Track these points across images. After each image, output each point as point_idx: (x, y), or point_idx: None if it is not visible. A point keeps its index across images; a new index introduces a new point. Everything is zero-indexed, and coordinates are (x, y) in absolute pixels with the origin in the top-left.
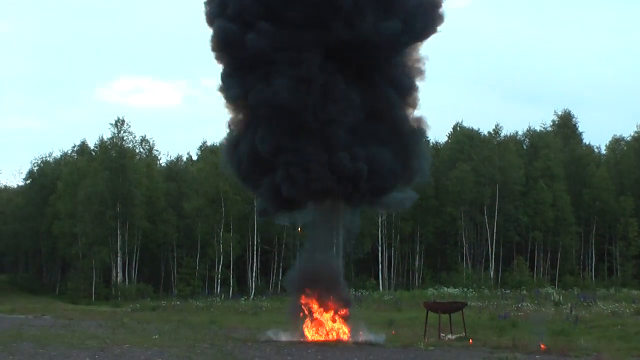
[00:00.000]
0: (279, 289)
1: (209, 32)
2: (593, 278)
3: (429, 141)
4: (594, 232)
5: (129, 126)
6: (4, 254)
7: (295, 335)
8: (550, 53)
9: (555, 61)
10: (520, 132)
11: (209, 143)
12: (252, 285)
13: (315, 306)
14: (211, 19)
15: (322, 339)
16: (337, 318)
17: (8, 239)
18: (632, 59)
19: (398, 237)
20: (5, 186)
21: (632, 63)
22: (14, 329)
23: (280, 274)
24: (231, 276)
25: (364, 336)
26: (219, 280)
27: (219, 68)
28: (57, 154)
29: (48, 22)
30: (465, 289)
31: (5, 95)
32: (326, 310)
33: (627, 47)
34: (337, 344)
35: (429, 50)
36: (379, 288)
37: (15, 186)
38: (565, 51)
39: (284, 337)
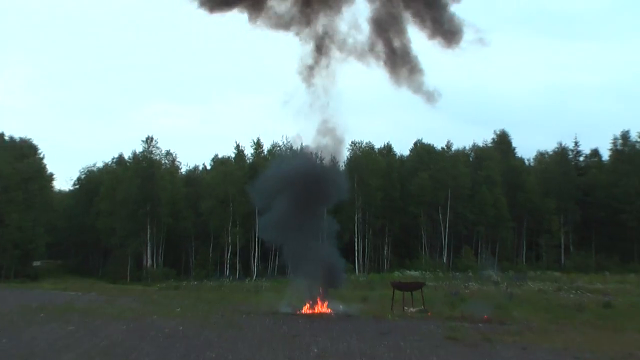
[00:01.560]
0: (276, 272)
1: (221, 65)
2: (524, 263)
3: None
4: (525, 226)
5: (157, 142)
6: (58, 244)
7: (292, 309)
8: (489, 85)
9: (494, 91)
10: (467, 147)
11: (220, 156)
12: (255, 269)
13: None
14: None
15: (311, 311)
16: (324, 297)
17: (61, 232)
18: (554, 90)
19: (370, 230)
20: (59, 190)
21: (554, 93)
22: (67, 303)
23: (277, 260)
24: (237, 262)
25: (342, 309)
26: (228, 265)
27: (227, 95)
28: (99, 164)
29: (91, 59)
30: (424, 272)
31: (59, 118)
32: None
33: (552, 81)
34: (322, 316)
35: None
36: (355, 271)
37: (67, 190)
38: (502, 83)
39: (282, 310)
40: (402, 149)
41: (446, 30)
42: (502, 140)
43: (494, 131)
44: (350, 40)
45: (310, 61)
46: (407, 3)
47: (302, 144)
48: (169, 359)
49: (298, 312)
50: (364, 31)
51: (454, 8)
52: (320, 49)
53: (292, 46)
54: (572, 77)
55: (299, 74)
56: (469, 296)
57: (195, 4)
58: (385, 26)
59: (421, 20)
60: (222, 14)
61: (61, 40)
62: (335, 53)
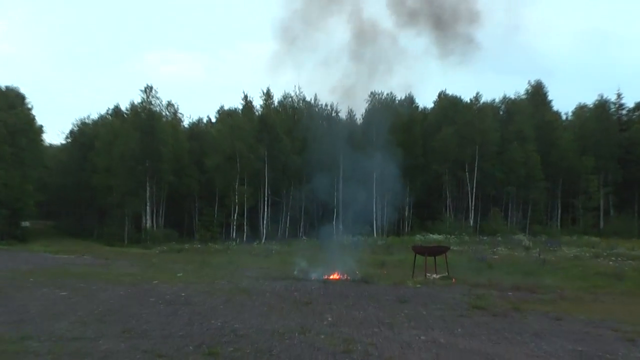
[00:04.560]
0: (287, 234)
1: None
2: (559, 227)
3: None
4: (560, 187)
5: (157, 92)
6: (50, 204)
7: (319, 275)
8: (525, 29)
9: (530, 37)
10: (497, 100)
11: (226, 107)
12: (264, 231)
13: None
14: None
15: (330, 278)
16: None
17: (53, 191)
18: (596, 38)
19: (390, 190)
20: (51, 144)
21: (596, 41)
22: (60, 267)
23: (288, 222)
24: (245, 223)
25: (358, 275)
26: (235, 227)
27: (235, 42)
28: (94, 116)
29: (86, 4)
30: (448, 236)
31: (50, 66)
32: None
33: (592, 27)
34: (337, 281)
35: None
36: (373, 234)
37: (59, 144)
38: (539, 29)
39: (311, 276)
40: (425, 101)
41: None
42: (537, 92)
43: (528, 82)
44: None
45: None
46: None
47: (315, 95)
48: (170, 327)
49: (325, 278)
50: None
51: None
52: None
53: None
54: (618, 24)
55: None
56: (497, 262)
57: None
58: None
59: None
60: None
61: None
62: None
